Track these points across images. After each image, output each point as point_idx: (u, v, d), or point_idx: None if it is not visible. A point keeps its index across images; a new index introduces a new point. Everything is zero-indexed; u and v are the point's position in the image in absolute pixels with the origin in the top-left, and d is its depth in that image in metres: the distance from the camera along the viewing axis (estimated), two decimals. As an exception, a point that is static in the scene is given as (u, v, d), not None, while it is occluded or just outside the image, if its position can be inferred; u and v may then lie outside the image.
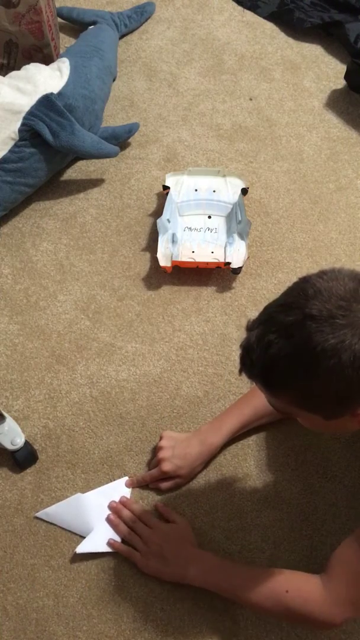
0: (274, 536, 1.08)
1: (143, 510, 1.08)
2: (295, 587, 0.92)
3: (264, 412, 1.12)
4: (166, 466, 1.09)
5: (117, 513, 1.08)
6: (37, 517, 1.09)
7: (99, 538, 1.06)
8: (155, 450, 1.13)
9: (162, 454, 1.10)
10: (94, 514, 1.08)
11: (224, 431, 1.11)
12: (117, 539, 1.06)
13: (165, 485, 1.10)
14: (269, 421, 1.14)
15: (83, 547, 1.05)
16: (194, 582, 0.99)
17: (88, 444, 1.17)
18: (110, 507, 1.09)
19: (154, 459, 1.12)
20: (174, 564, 1.00)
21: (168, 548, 1.01)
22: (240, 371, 0.80)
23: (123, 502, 1.09)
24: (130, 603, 1.03)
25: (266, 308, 0.79)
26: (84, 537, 1.07)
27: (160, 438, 1.12)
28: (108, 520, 1.07)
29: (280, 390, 0.79)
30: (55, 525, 1.09)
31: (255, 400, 1.12)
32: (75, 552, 1.05)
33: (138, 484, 1.12)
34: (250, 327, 0.79)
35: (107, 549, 1.06)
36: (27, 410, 1.21)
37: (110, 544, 1.05)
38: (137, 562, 1.03)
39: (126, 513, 1.07)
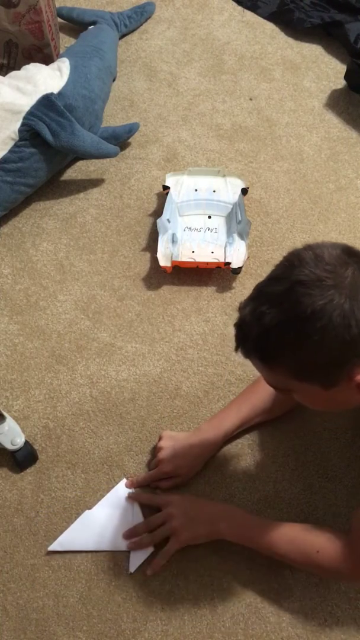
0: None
1: (146, 500, 1.08)
2: (325, 548, 0.95)
3: (262, 409, 1.12)
4: (166, 467, 1.09)
5: (133, 535, 1.06)
6: (51, 551, 1.07)
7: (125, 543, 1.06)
8: (155, 450, 1.13)
9: (162, 455, 1.10)
10: (110, 525, 1.08)
11: (223, 430, 1.11)
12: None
13: (165, 484, 1.10)
14: (268, 418, 1.15)
15: (134, 564, 1.05)
16: (226, 536, 1.01)
17: (88, 444, 1.17)
18: (125, 537, 1.06)
19: (154, 460, 1.12)
20: (203, 523, 1.01)
21: (190, 510, 1.02)
22: (237, 349, 0.82)
23: (130, 530, 1.07)
24: (130, 603, 1.03)
25: (256, 286, 0.81)
26: (101, 552, 1.06)
27: (160, 438, 1.12)
28: (129, 547, 1.05)
29: (276, 361, 0.80)
30: (70, 552, 1.07)
31: (254, 398, 1.12)
32: (132, 572, 1.05)
33: (138, 485, 1.11)
34: (243, 305, 0.81)
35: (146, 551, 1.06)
36: (27, 410, 1.21)
37: (150, 570, 1.03)
38: (175, 547, 1.02)
39: (139, 526, 1.06)
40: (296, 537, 0.98)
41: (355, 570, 0.94)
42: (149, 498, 1.09)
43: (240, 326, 0.80)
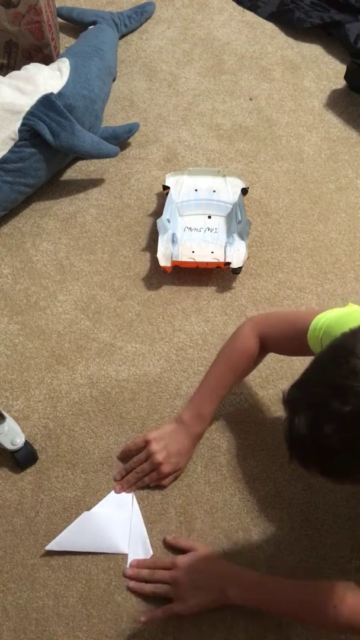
0: (274, 536, 1.08)
1: (156, 558, 1.05)
2: (342, 601, 0.89)
3: (236, 383, 1.13)
4: (166, 468, 1.09)
5: (135, 577, 1.03)
6: (48, 550, 1.07)
7: (135, 552, 1.06)
8: (147, 453, 1.10)
9: (158, 458, 1.09)
10: (108, 527, 1.08)
11: (207, 418, 1.12)
12: (148, 551, 1.05)
13: (167, 482, 1.11)
14: (242, 379, 1.15)
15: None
16: (236, 601, 0.95)
17: (88, 444, 1.17)
18: (126, 575, 1.03)
19: (145, 465, 1.10)
20: (211, 590, 0.96)
21: (197, 577, 0.97)
22: (292, 459, 0.71)
23: (134, 565, 1.05)
24: (130, 603, 1.03)
25: (307, 383, 0.71)
26: (101, 554, 1.06)
27: (147, 442, 1.10)
28: (130, 589, 1.02)
29: (342, 479, 0.73)
30: (69, 552, 1.07)
31: (230, 376, 1.11)
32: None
33: (137, 488, 1.11)
34: (292, 407, 0.70)
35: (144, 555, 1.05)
36: (27, 410, 1.21)
37: (145, 616, 0.99)
38: (179, 611, 0.97)
39: (143, 572, 1.03)
40: (310, 594, 0.92)
41: None
42: (156, 561, 1.04)
43: (297, 441, 0.69)
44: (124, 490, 1.11)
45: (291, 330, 1.01)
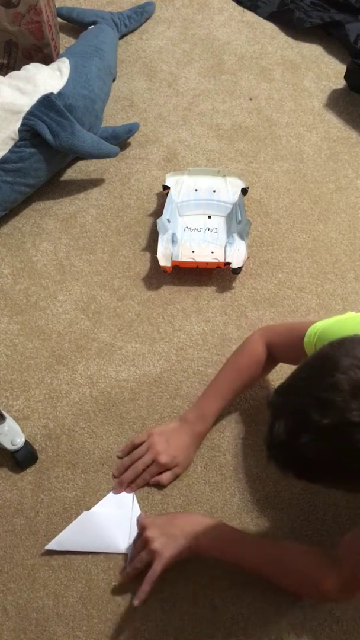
0: (274, 536, 1.08)
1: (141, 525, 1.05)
2: (308, 569, 0.93)
3: (245, 388, 1.14)
4: (163, 458, 1.10)
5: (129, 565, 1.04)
6: (48, 550, 1.07)
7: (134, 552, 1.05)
8: (148, 447, 1.12)
9: (157, 447, 1.11)
10: (108, 527, 1.08)
11: (210, 419, 1.13)
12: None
13: (165, 477, 1.11)
14: (251, 385, 1.16)
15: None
16: (207, 550, 0.97)
17: (88, 444, 1.17)
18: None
19: (146, 456, 1.11)
20: (183, 537, 0.97)
21: (168, 527, 0.99)
22: (270, 461, 0.74)
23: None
24: (130, 603, 1.03)
25: (291, 389, 0.72)
26: (101, 554, 1.07)
27: (150, 435, 1.13)
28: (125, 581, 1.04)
29: (318, 483, 0.75)
30: (69, 552, 1.07)
31: (237, 380, 1.13)
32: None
33: (138, 487, 1.12)
34: (275, 411, 0.72)
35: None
36: (27, 410, 1.21)
37: (137, 599, 0.99)
38: (158, 569, 0.98)
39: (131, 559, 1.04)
40: (278, 556, 0.96)
41: (340, 591, 0.92)
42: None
43: (276, 446, 0.71)
44: (124, 490, 1.11)
45: (294, 338, 1.03)
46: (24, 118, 1.34)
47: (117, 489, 1.11)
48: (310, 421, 0.67)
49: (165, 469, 1.11)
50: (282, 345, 1.10)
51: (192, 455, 1.14)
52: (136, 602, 0.98)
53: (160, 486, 1.12)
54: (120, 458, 1.15)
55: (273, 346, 1.12)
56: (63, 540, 1.07)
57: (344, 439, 0.65)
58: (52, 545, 1.07)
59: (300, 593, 1.00)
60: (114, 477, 1.13)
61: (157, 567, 0.98)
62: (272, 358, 1.13)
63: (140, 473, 1.11)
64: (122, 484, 1.11)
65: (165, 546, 0.98)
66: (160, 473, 1.12)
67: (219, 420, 1.17)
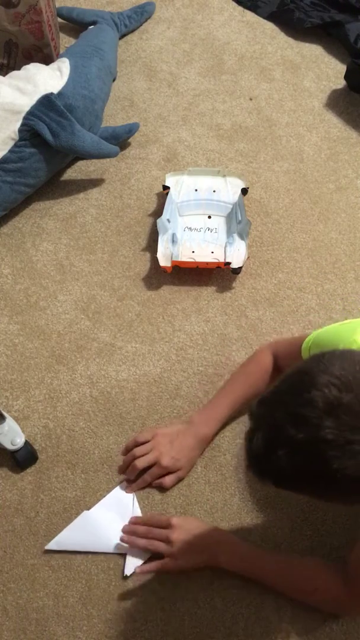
0: (274, 536, 1.08)
1: (152, 515, 1.08)
2: (323, 587, 0.97)
3: (253, 395, 1.13)
4: (165, 460, 1.10)
5: (131, 533, 1.06)
6: (48, 550, 1.07)
7: (133, 552, 1.06)
8: (152, 447, 1.11)
9: (161, 449, 1.10)
10: (108, 527, 1.08)
11: (216, 422, 1.13)
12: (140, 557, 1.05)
13: (169, 480, 1.11)
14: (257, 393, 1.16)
15: (130, 568, 1.04)
16: (226, 566, 1.01)
17: (88, 444, 1.17)
18: (124, 531, 1.06)
19: (149, 455, 1.11)
20: (203, 553, 1.01)
21: (192, 539, 1.01)
22: (249, 470, 0.76)
23: (132, 522, 1.07)
24: (130, 603, 1.03)
25: (271, 402, 0.73)
26: (101, 554, 1.07)
27: (154, 435, 1.12)
28: (124, 542, 1.05)
29: (296, 492, 0.77)
30: (69, 552, 1.07)
31: (245, 387, 1.14)
32: (127, 575, 1.05)
33: (138, 487, 1.11)
34: (255, 422, 0.74)
35: (142, 556, 1.06)
36: (27, 410, 1.21)
37: (138, 567, 1.04)
38: (169, 568, 1.01)
39: (140, 529, 1.05)
40: (294, 575, 0.99)
41: (352, 605, 0.98)
42: (152, 518, 1.07)
43: (253, 457, 0.73)
44: (134, 490, 1.11)
45: (296, 347, 1.04)
46: (24, 118, 1.34)
47: (127, 488, 1.11)
48: (286, 435, 0.69)
49: (166, 471, 1.11)
50: (286, 355, 1.13)
51: (196, 459, 1.13)
52: (138, 570, 1.03)
53: (161, 489, 1.12)
54: (124, 456, 1.15)
55: (278, 356, 1.15)
56: (63, 540, 1.07)
57: (317, 455, 0.67)
58: (52, 545, 1.07)
59: (316, 607, 1.01)
60: (119, 472, 1.13)
61: (166, 566, 1.02)
62: (277, 367, 1.14)
63: (139, 471, 1.11)
64: (130, 486, 1.11)
65: (183, 555, 1.01)
66: (163, 475, 1.11)
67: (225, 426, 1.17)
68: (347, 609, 1.00)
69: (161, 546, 1.02)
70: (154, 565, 1.02)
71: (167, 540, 1.02)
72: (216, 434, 1.15)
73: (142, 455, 1.11)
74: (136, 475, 1.11)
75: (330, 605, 0.99)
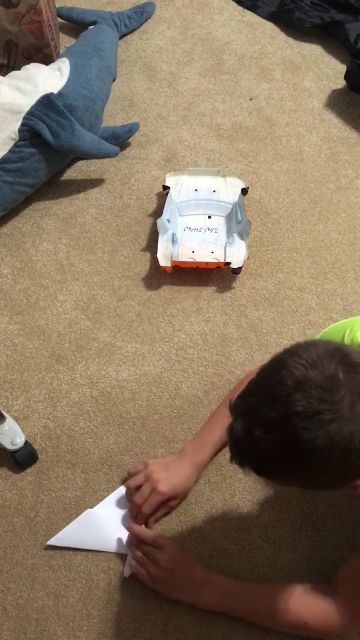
0: (274, 536, 1.08)
1: (148, 533, 1.05)
2: (314, 617, 0.97)
3: None
4: (163, 486, 1.06)
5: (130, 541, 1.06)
6: (49, 546, 1.07)
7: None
8: (146, 477, 1.07)
9: (157, 476, 1.06)
10: (109, 526, 1.08)
11: (209, 449, 1.11)
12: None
13: (160, 514, 1.08)
14: None
15: (129, 569, 1.04)
16: (206, 606, 0.99)
17: (88, 444, 1.17)
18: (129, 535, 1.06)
19: (144, 487, 1.07)
20: (185, 591, 1.00)
21: (178, 574, 1.00)
22: (232, 460, 0.77)
23: (128, 529, 1.07)
24: (130, 603, 1.03)
25: (246, 392, 0.76)
26: (101, 552, 1.07)
27: (146, 465, 1.09)
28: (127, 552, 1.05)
29: (274, 478, 0.79)
30: (69, 552, 1.07)
31: None
32: (127, 575, 1.05)
33: (139, 521, 1.07)
34: (235, 411, 0.76)
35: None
36: (27, 410, 1.21)
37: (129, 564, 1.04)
38: (150, 586, 1.01)
39: (133, 540, 1.05)
40: (281, 612, 0.97)
41: (344, 628, 0.96)
42: (144, 532, 1.05)
43: (234, 441, 0.75)
44: (140, 523, 1.08)
45: None
46: (24, 118, 1.34)
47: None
48: (260, 416, 0.72)
49: (166, 497, 1.06)
50: None
51: (191, 487, 1.10)
52: (127, 574, 1.04)
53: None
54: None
55: None
56: (64, 536, 1.07)
57: (290, 429, 0.69)
58: (53, 541, 1.07)
59: (309, 636, 1.00)
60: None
61: (146, 581, 1.01)
62: None
63: (140, 505, 1.06)
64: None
65: (164, 585, 1.01)
66: (163, 503, 1.07)
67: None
68: (339, 635, 0.97)
69: (148, 567, 1.01)
70: (134, 567, 1.02)
71: (155, 562, 1.00)
72: (211, 459, 1.12)
73: (137, 487, 1.07)
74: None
75: (323, 634, 0.98)
